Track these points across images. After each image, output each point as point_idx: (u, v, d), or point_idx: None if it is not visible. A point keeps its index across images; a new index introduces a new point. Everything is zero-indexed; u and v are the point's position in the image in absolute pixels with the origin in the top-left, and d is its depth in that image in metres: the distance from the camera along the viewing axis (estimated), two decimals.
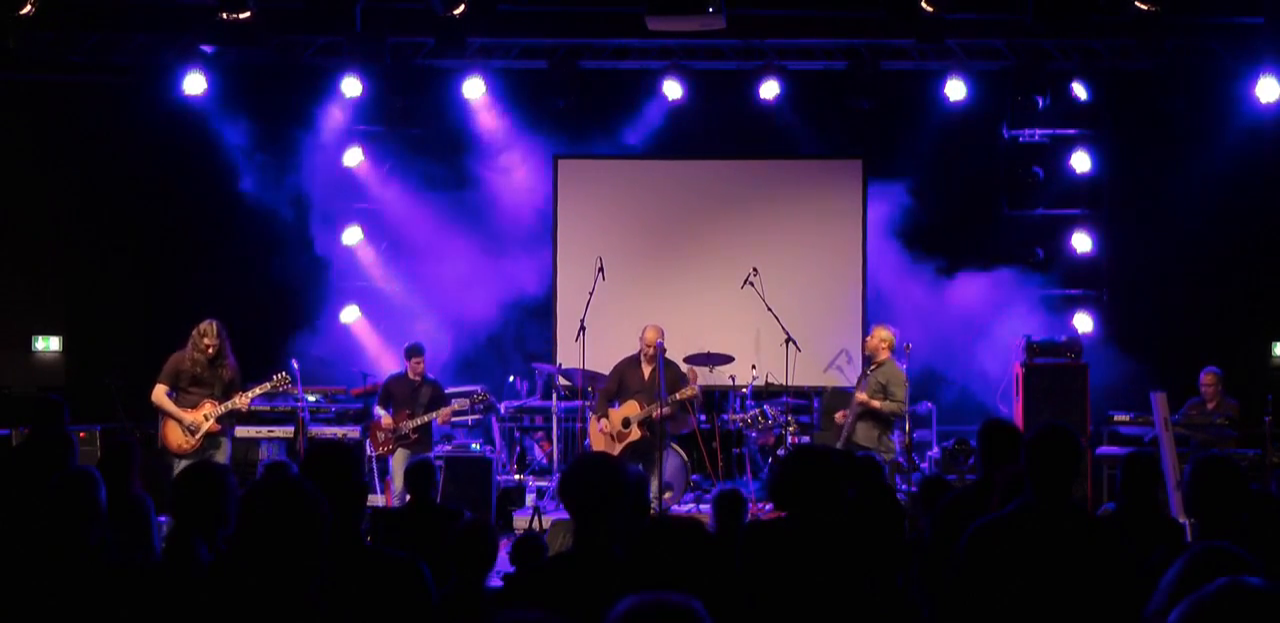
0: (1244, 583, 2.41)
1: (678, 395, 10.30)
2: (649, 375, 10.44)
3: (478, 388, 11.44)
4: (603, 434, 10.51)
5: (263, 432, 11.31)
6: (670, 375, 10.47)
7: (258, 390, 9.81)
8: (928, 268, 12.47)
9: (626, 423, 10.38)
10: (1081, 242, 12.56)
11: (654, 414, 10.21)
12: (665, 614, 2.40)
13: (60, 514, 4.14)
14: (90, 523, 4.18)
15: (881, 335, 10.50)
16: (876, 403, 10.22)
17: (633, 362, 10.59)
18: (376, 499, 10.59)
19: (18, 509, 4.38)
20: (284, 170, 12.55)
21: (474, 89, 12.29)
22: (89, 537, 4.15)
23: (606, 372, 11.00)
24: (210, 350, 9.57)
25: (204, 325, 9.62)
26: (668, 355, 10.71)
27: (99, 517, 4.23)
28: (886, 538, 4.35)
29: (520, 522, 10.55)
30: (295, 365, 10.26)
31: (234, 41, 11.67)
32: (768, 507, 11.09)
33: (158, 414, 9.91)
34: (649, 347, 10.48)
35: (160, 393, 9.60)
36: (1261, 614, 2.36)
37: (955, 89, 11.86)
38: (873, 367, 10.50)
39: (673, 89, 12.13)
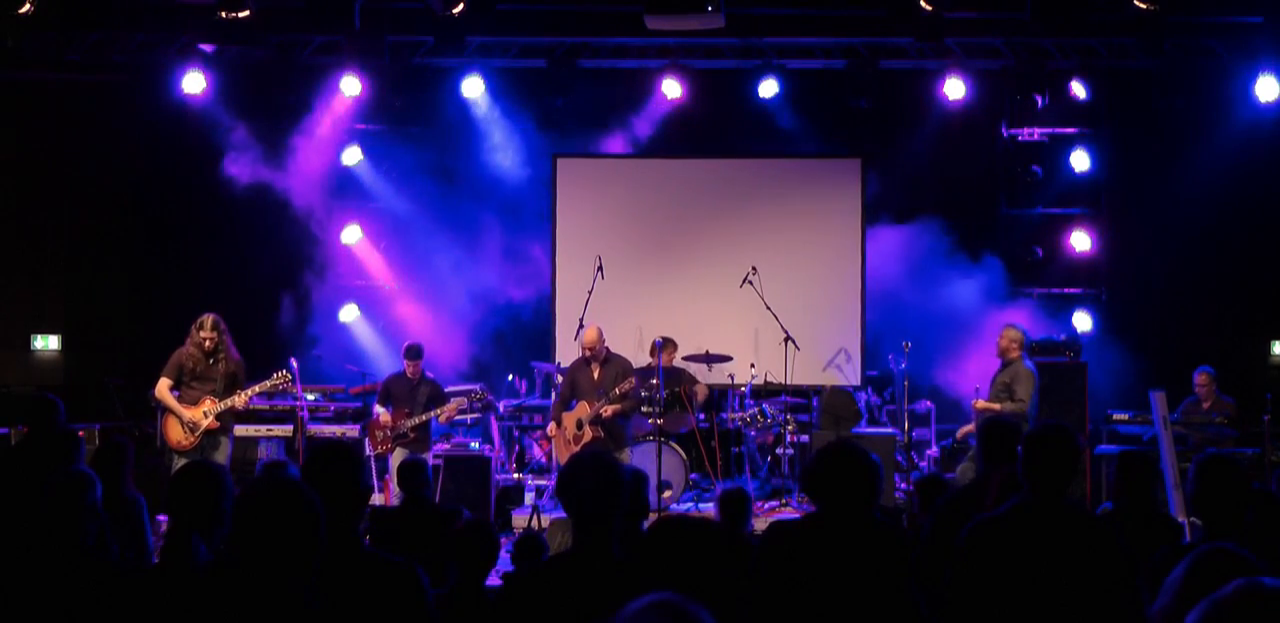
0: (1261, 584, 2.42)
1: (617, 390, 10.20)
2: (598, 376, 10.36)
3: (476, 387, 11.44)
4: (561, 439, 10.42)
5: (261, 430, 11.32)
6: (615, 370, 10.37)
7: (257, 389, 9.77)
8: (926, 267, 12.47)
9: (580, 425, 10.30)
10: (1080, 240, 12.57)
11: (603, 412, 10.15)
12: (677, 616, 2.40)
13: (54, 515, 4.12)
14: (85, 524, 4.16)
15: (1011, 335, 10.24)
16: (997, 406, 10.02)
17: (581, 363, 10.51)
18: (376, 498, 10.58)
19: (14, 509, 4.37)
20: (283, 169, 12.54)
21: (473, 88, 12.30)
22: (83, 538, 4.14)
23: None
24: (208, 345, 9.52)
25: (201, 319, 9.58)
26: (665, 357, 10.73)
27: (94, 518, 4.21)
28: (902, 538, 4.32)
29: (519, 521, 10.55)
30: (294, 364, 10.25)
31: (233, 40, 11.65)
32: (768, 505, 11.12)
33: (158, 411, 9.91)
34: (584, 349, 10.44)
35: (163, 388, 9.57)
36: (1278, 615, 2.37)
37: (954, 88, 11.85)
38: (1002, 368, 10.30)
39: (672, 88, 12.13)
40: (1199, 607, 2.44)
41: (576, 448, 10.13)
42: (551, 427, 10.39)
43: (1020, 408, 9.97)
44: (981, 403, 10.28)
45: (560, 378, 11.82)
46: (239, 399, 9.58)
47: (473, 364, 12.85)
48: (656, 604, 2.40)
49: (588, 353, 10.36)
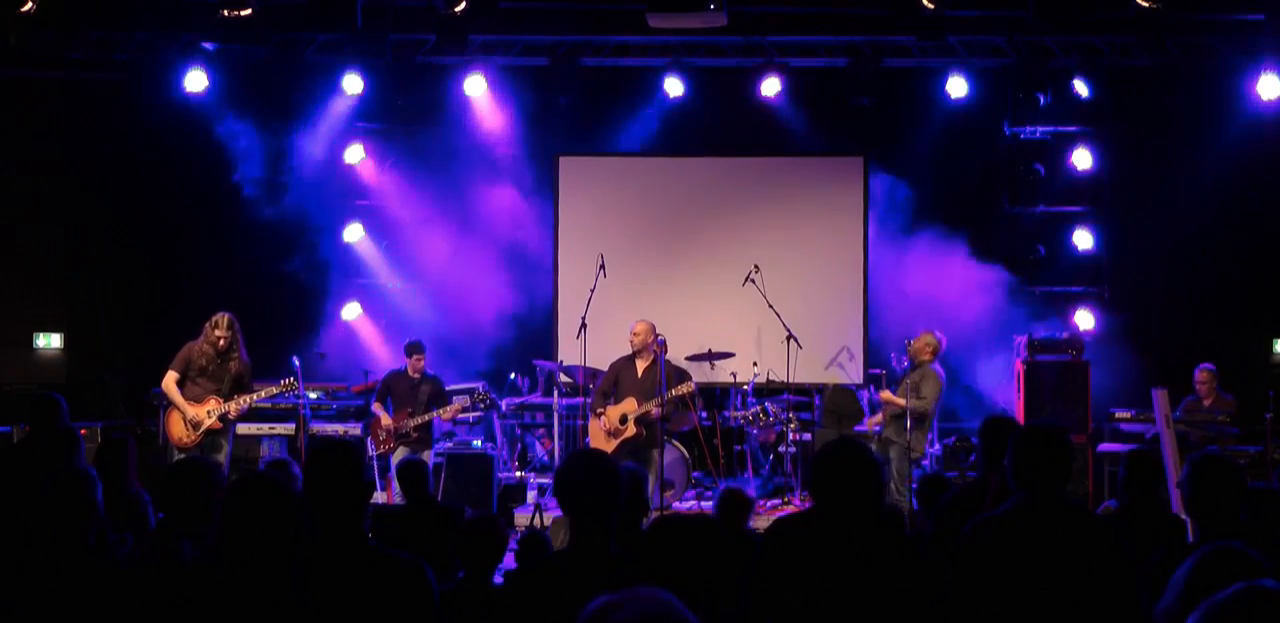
0: (1261, 587, 2.41)
1: (674, 392, 10.24)
2: (642, 372, 10.40)
3: (478, 385, 11.44)
4: (602, 431, 10.48)
5: (264, 429, 11.33)
6: (668, 372, 10.42)
7: (262, 393, 9.78)
8: (929, 265, 12.46)
9: (624, 419, 10.33)
10: (1083, 239, 12.55)
11: (650, 411, 10.17)
12: (641, 608, 2.40)
13: (56, 514, 4.12)
14: (87, 523, 4.15)
15: (926, 340, 10.63)
16: (901, 401, 10.32)
17: (627, 359, 10.56)
18: (378, 497, 10.59)
19: (16, 507, 4.36)
20: (285, 167, 12.54)
21: (475, 86, 12.29)
22: (85, 537, 4.13)
23: (606, 369, 10.99)
24: (221, 343, 9.52)
25: (217, 317, 9.59)
26: (670, 354, 10.72)
27: (96, 517, 4.20)
28: (904, 536, 4.32)
29: (521, 519, 10.56)
30: (296, 362, 10.26)
31: (235, 39, 11.69)
32: (770, 504, 11.12)
33: (160, 407, 9.92)
34: (632, 345, 10.46)
35: (170, 382, 9.57)
36: (1278, 618, 2.36)
37: (956, 86, 11.85)
38: (913, 369, 10.60)
39: (674, 86, 12.13)
40: (1199, 608, 2.43)
41: (615, 442, 10.21)
42: (603, 420, 10.38)
43: (923, 406, 10.37)
44: (888, 394, 10.69)
45: (564, 376, 11.85)
46: (247, 401, 9.59)
47: (474, 362, 12.84)
48: (612, 604, 2.39)
49: (635, 349, 10.39)
